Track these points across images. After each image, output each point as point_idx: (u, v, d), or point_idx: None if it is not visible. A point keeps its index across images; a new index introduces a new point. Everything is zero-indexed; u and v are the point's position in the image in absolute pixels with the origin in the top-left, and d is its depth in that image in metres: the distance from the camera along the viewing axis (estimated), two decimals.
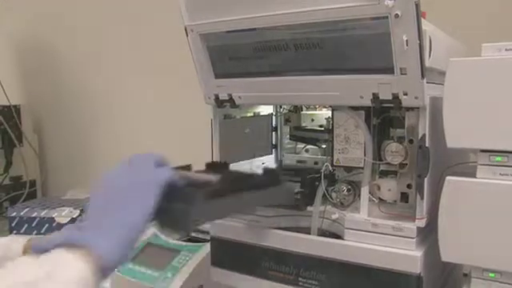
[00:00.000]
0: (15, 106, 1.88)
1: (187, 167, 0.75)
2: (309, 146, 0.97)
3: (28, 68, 2.09)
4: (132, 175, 0.60)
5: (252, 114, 0.93)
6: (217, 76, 0.80)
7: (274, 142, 0.98)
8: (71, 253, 0.52)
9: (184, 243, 1.09)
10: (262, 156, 0.96)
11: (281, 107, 0.96)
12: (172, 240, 1.12)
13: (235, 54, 0.77)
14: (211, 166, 0.82)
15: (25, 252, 0.70)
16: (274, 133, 0.98)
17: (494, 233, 0.63)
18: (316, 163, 0.93)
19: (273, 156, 0.98)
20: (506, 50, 0.64)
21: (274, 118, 0.97)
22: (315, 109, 0.93)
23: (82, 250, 0.52)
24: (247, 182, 0.72)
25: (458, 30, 0.83)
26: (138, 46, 1.68)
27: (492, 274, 0.64)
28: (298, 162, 0.97)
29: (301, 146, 0.98)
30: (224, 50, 0.78)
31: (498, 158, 0.63)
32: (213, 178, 0.71)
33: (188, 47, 0.80)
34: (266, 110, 0.95)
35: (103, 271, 0.53)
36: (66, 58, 1.93)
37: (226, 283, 0.85)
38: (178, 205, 0.60)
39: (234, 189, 0.68)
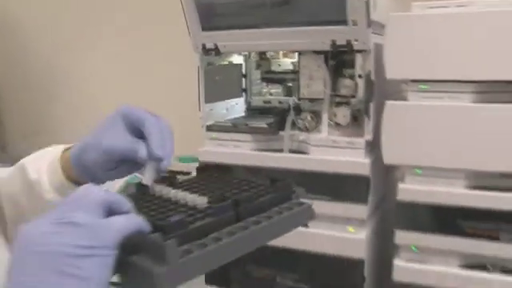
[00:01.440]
0: None
1: (172, 177, 0.60)
2: (272, 90, 1.17)
3: None
4: (69, 235, 0.40)
5: (227, 63, 1.12)
6: (204, 29, 0.98)
7: (243, 87, 1.18)
8: None
9: None
10: (234, 98, 1.15)
11: (249, 57, 1.15)
12: None
13: (221, 11, 0.95)
14: (202, 171, 0.66)
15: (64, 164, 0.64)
16: (243, 79, 1.17)
17: (419, 140, 0.87)
18: (280, 102, 1.14)
19: (243, 99, 1.18)
20: (429, 7, 0.88)
21: (243, 66, 1.16)
22: (279, 57, 1.13)
23: None
24: (251, 204, 0.51)
25: None
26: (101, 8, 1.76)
27: (418, 171, 0.89)
28: (265, 102, 1.17)
29: (265, 89, 1.18)
30: (211, 6, 0.96)
31: (423, 86, 0.87)
32: (200, 201, 0.51)
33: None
34: (237, 59, 1.15)
35: None
36: (24, 27, 1.96)
37: None
38: (140, 261, 0.42)
39: (230, 218, 0.49)
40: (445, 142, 0.85)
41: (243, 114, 1.17)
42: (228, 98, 1.13)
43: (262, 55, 1.13)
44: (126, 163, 0.61)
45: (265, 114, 1.10)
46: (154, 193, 0.57)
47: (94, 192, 0.43)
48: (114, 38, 1.74)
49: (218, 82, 1.09)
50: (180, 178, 0.62)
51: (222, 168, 0.66)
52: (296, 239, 0.98)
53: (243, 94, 1.18)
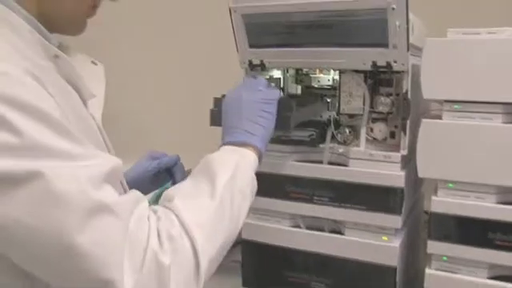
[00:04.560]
0: None
1: None
2: None
3: None
4: (260, 94, 0.88)
5: (268, 77, 1.19)
6: (251, 46, 1.05)
7: None
8: (250, 150, 0.83)
9: None
10: None
11: (287, 72, 1.22)
12: None
13: (268, 30, 1.02)
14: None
15: None
16: (281, 92, 1.24)
17: (452, 156, 0.93)
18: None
19: None
20: (463, 33, 0.94)
21: (282, 80, 1.23)
22: (316, 73, 1.19)
23: (254, 149, 0.84)
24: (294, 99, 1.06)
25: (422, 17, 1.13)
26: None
27: (451, 185, 0.95)
28: None
29: None
30: (259, 26, 1.02)
31: (457, 106, 0.94)
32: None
33: None
34: (276, 73, 1.21)
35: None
36: None
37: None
38: (280, 111, 0.89)
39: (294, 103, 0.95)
40: (476, 158, 0.92)
41: None
42: None
43: (298, 70, 1.20)
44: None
45: (301, 127, 1.16)
46: None
47: (259, 78, 0.95)
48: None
49: None
50: None
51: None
52: (331, 246, 1.04)
53: None
